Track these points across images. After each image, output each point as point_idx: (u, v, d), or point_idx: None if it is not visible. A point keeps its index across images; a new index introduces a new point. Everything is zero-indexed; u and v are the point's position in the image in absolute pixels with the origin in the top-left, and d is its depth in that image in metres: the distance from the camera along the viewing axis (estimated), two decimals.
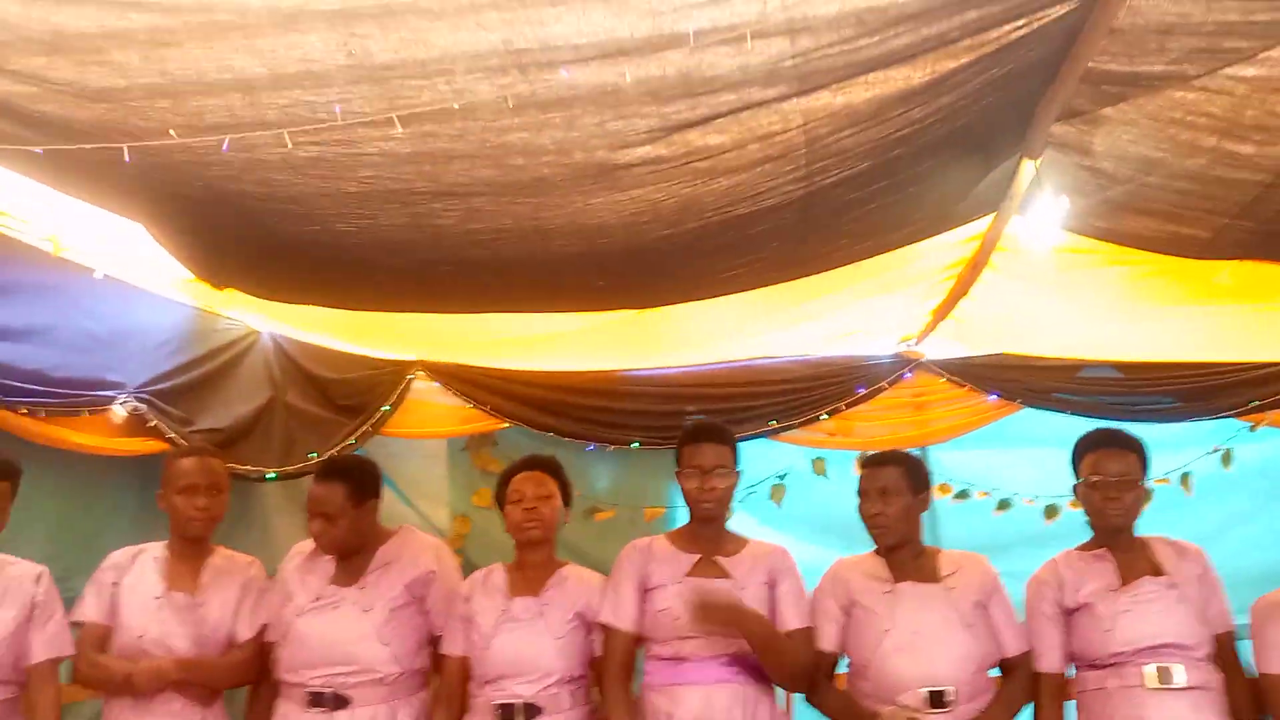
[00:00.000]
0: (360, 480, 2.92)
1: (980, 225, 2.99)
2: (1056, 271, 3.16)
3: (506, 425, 4.68)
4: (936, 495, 4.79)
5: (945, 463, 4.78)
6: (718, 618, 2.73)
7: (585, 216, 2.42)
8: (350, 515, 2.87)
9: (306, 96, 1.98)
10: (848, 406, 4.51)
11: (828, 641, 2.85)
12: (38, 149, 1.99)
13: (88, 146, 1.94)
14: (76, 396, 3.46)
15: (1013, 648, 2.82)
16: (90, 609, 2.87)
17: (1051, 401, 4.42)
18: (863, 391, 4.51)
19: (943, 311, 3.85)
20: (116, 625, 2.86)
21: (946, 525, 4.69)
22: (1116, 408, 4.35)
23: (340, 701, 2.79)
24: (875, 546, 2.93)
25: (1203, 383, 4.27)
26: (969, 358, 4.49)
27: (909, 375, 4.52)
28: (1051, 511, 4.62)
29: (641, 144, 2.11)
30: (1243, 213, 2.57)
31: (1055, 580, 2.83)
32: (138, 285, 3.47)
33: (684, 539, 2.92)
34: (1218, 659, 2.74)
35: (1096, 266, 3.07)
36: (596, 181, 2.25)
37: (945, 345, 4.44)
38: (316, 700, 2.79)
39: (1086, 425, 3.62)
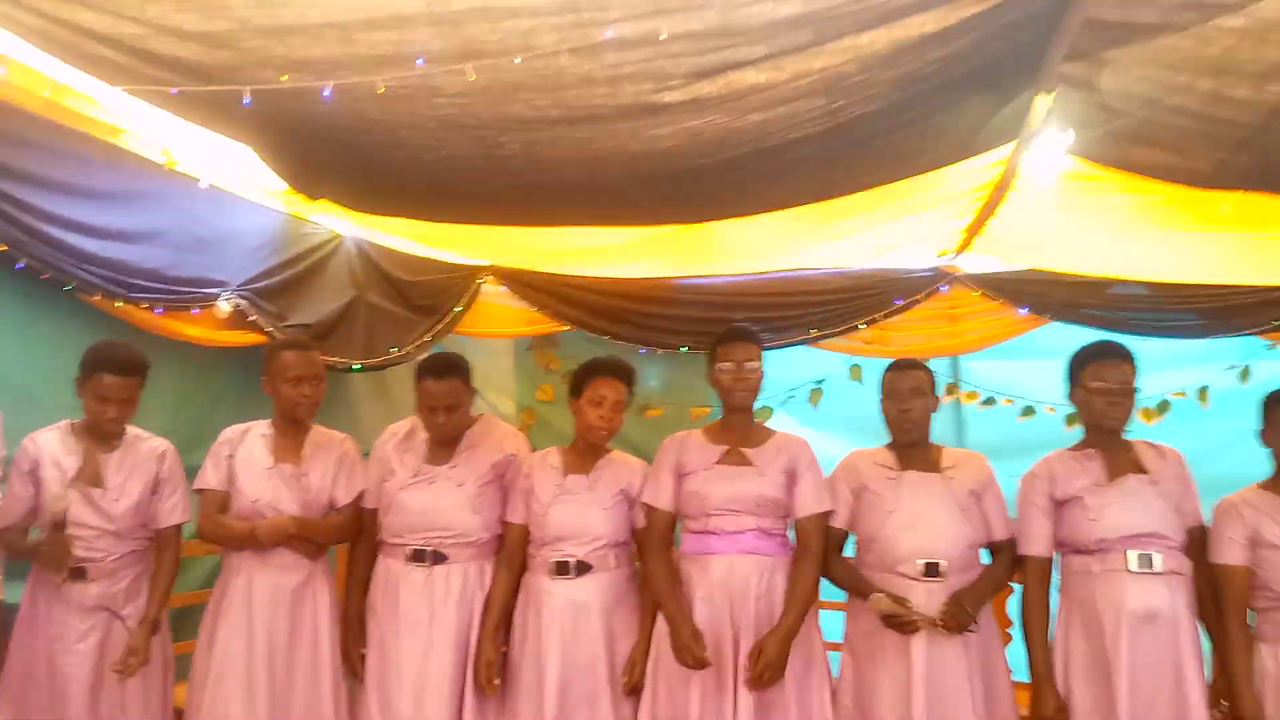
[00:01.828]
0: (468, 373, 3.30)
1: (1002, 153, 3.19)
2: (1076, 196, 3.36)
3: (567, 328, 5.03)
4: (964, 401, 5.04)
5: (974, 371, 4.96)
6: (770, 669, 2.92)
7: (633, 146, 2.71)
8: (467, 404, 3.28)
9: (394, 39, 2.30)
10: (885, 317, 4.69)
11: (839, 520, 3.18)
12: (173, 89, 2.35)
13: (217, 89, 2.28)
14: (187, 293, 3.76)
15: (1000, 533, 3.12)
16: (211, 478, 3.26)
17: (1080, 316, 4.53)
18: (900, 303, 4.67)
19: (974, 229, 4.03)
20: (234, 491, 3.26)
21: (972, 429, 4.92)
22: (1143, 323, 4.44)
23: (438, 558, 3.21)
24: (889, 441, 3.23)
25: (1225, 302, 4.34)
26: (1003, 273, 4.61)
27: (945, 289, 4.67)
28: (1072, 419, 4.65)
29: (681, 85, 2.39)
30: (1240, 147, 2.76)
31: (1048, 475, 3.09)
32: (237, 193, 3.78)
33: (715, 432, 3.24)
34: (1189, 550, 3.00)
35: (1112, 193, 3.25)
36: (642, 117, 2.55)
37: (980, 260, 4.57)
38: (418, 556, 3.22)
39: (1110, 339, 3.82)
